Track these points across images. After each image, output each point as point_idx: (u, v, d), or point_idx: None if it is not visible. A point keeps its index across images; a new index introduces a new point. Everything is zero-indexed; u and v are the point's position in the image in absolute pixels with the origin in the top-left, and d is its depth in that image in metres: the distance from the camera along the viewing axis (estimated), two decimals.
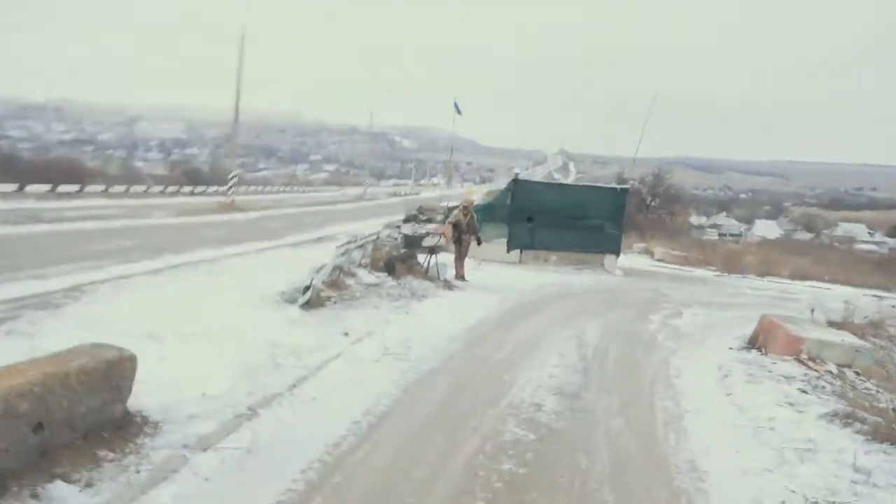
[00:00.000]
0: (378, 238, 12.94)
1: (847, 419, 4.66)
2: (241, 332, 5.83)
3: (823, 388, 5.88)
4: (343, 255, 9.75)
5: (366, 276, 10.01)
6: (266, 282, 8.29)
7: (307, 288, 7.85)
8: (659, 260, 20.94)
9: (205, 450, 3.65)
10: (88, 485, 3.08)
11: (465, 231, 11.79)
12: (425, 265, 11.05)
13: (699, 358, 6.84)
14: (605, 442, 4.32)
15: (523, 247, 15.41)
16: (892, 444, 4.24)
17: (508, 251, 15.26)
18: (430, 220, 17.81)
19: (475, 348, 6.79)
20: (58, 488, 3.02)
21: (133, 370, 3.81)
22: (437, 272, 11.07)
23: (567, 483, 3.55)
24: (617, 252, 15.87)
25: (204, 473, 3.39)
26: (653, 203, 39.47)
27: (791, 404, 5.25)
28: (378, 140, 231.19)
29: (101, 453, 3.40)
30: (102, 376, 3.66)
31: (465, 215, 12.08)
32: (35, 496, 2.97)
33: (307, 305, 7.66)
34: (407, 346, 6.43)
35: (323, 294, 8.28)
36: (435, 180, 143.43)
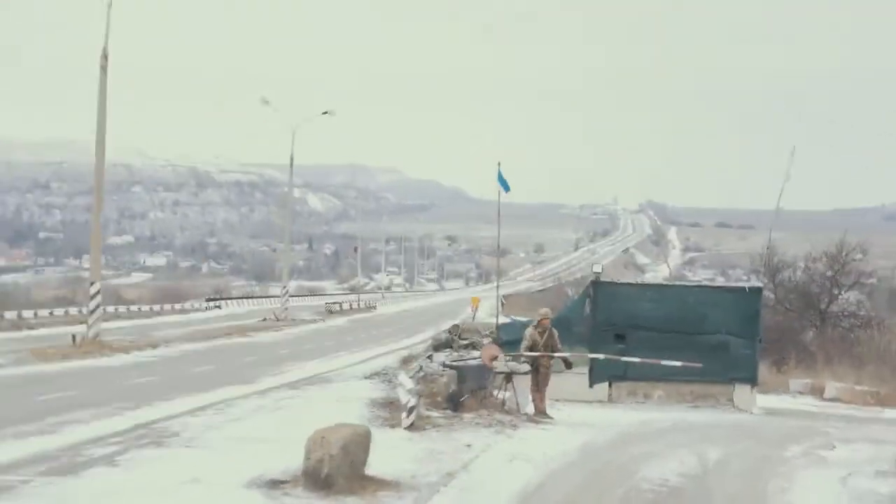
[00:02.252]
0: (422, 370, 20.14)
1: None
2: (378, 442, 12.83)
3: None
4: (413, 387, 16.87)
5: (426, 410, 17.02)
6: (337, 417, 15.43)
7: (411, 410, 14.89)
8: (831, 399, 27.49)
9: (431, 496, 10.71)
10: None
11: (541, 354, 18.23)
12: (500, 397, 18.08)
13: (830, 481, 13.42)
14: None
15: (614, 378, 22.06)
16: None
17: (591, 385, 21.68)
18: (473, 346, 24.90)
19: (595, 460, 13.78)
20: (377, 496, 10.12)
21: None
22: (517, 404, 18.08)
23: None
24: (753, 381, 22.33)
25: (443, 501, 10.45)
26: (829, 307, 46.02)
27: None
28: (248, 194, 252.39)
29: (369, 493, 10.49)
30: (364, 440, 10.81)
31: (542, 333, 18.97)
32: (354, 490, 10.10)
33: (412, 427, 14.65)
34: (528, 456, 13.38)
35: (418, 420, 15.28)
36: (382, 278, 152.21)
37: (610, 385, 21.82)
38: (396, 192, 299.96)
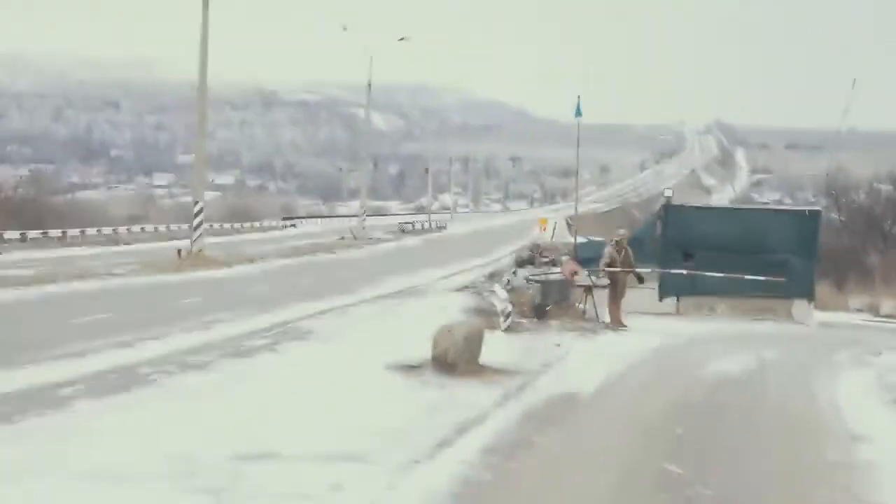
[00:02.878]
0: (510, 284, 22.68)
1: None
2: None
3: None
4: (506, 296, 19.42)
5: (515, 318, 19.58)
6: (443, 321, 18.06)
7: (508, 315, 17.47)
8: (887, 315, 29.83)
9: (535, 379, 13.30)
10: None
11: (620, 270, 21.05)
12: (581, 307, 20.63)
13: (867, 377, 15.86)
14: (766, 385, 13.84)
15: (681, 293, 24.64)
16: None
17: (661, 299, 24.38)
18: (553, 263, 27.42)
19: (668, 358, 16.30)
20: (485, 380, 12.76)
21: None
22: (596, 314, 20.64)
23: (742, 403, 12.95)
24: (810, 296, 24.81)
25: (540, 385, 13.04)
26: (892, 229, 47.95)
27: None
28: (314, 114, 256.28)
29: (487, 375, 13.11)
30: (480, 334, 13.41)
31: (620, 251, 21.52)
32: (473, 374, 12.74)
33: (508, 330, 17.23)
34: (609, 354, 15.90)
35: (512, 325, 17.87)
36: (446, 198, 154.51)
37: (678, 299, 24.23)
38: (460, 111, 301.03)
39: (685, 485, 8.24)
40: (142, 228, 59.81)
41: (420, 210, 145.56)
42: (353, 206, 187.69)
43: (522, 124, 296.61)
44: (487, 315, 18.82)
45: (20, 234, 44.91)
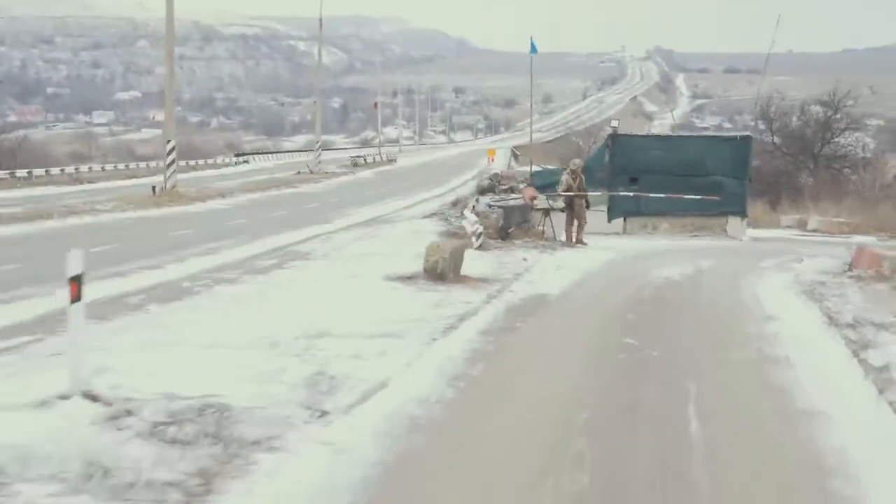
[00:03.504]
0: (474, 209, 25.35)
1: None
2: None
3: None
4: (476, 219, 22.10)
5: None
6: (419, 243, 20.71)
7: (479, 235, 20.16)
8: (812, 230, 32.99)
9: (510, 284, 16.04)
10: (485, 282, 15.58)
11: (575, 195, 23.84)
12: (541, 228, 23.40)
13: (787, 278, 18.82)
14: (699, 285, 16.67)
15: (628, 214, 27.53)
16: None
17: (610, 220, 27.30)
18: (512, 190, 30.18)
19: (619, 268, 19.12)
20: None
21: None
22: (554, 233, 23.42)
23: (682, 297, 15.76)
24: (742, 213, 27.82)
25: (515, 289, 15.78)
26: (821, 151, 51.41)
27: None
28: (254, 48, 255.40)
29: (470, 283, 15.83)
30: (462, 250, 16.12)
31: (575, 178, 24.29)
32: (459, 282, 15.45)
33: (479, 248, 19.92)
34: (569, 266, 18.68)
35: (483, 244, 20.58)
36: (392, 131, 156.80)
37: (625, 220, 27.20)
38: (401, 42, 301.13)
39: (638, 349, 11.03)
40: (102, 168, 61.78)
41: (366, 143, 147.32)
42: (299, 140, 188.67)
43: (464, 54, 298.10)
44: (461, 237, 21.48)
45: None
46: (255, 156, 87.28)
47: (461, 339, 11.25)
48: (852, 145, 54.15)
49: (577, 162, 24.81)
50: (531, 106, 35.52)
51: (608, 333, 12.20)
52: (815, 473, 6.90)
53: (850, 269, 18.03)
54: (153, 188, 37.03)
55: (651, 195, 25.92)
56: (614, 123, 36.27)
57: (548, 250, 21.28)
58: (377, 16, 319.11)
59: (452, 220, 25.29)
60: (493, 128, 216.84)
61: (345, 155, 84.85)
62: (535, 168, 32.91)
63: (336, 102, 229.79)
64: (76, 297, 7.63)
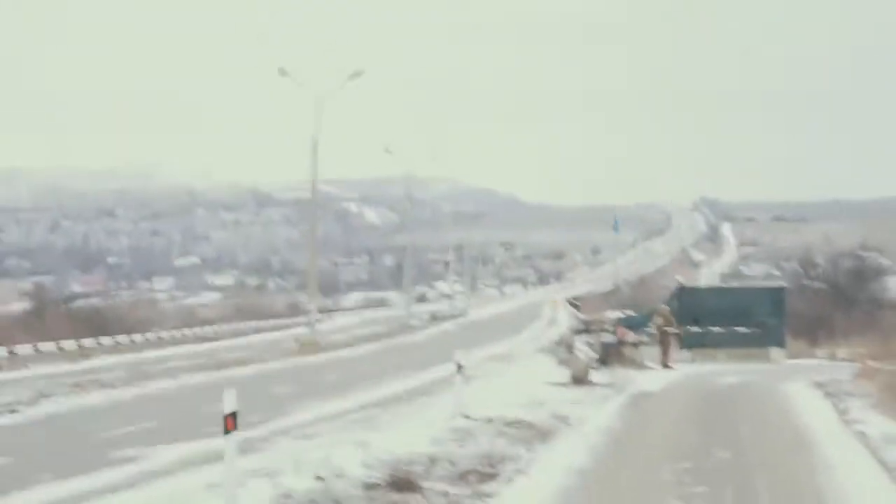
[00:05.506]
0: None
1: None
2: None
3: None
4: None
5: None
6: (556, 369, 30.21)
7: (592, 360, 29.63)
8: (840, 359, 42.00)
9: (625, 387, 25.45)
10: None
11: (665, 331, 33.52)
12: (632, 357, 32.83)
13: (808, 383, 27.91)
14: (761, 393, 26.01)
15: (694, 346, 36.96)
16: None
17: (681, 349, 36.87)
18: (603, 330, 39.64)
19: (695, 380, 28.68)
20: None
21: None
22: (642, 361, 32.84)
23: (736, 391, 25.07)
24: (781, 344, 37.35)
25: (630, 390, 25.21)
26: (855, 296, 60.84)
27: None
28: (307, 211, 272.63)
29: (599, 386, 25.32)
30: (589, 367, 25.83)
31: (665, 320, 33.95)
32: (592, 386, 24.98)
33: (593, 369, 29.34)
34: (660, 378, 28.05)
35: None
36: (443, 285, 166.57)
37: (691, 351, 36.55)
38: (451, 201, 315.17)
39: (713, 415, 20.30)
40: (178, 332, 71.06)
41: (422, 299, 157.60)
42: (354, 297, 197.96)
43: (512, 210, 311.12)
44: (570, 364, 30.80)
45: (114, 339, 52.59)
46: (333, 313, 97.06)
47: (608, 410, 20.64)
48: (887, 290, 63.39)
49: (664, 307, 34.74)
50: (615, 284, 44.88)
51: (694, 407, 21.51)
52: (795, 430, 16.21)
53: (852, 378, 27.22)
54: (297, 341, 46.74)
55: (712, 329, 35.47)
56: (680, 278, 45.87)
57: (642, 370, 30.63)
58: (428, 175, 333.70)
59: (560, 353, 34.64)
60: (542, 280, 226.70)
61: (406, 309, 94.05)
62: (622, 314, 42.53)
63: (389, 260, 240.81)
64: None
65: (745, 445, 16.01)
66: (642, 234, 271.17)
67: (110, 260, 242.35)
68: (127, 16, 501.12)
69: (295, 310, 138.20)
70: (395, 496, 11.28)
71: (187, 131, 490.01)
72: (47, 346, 44.42)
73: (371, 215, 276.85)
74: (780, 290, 38.99)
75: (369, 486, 11.53)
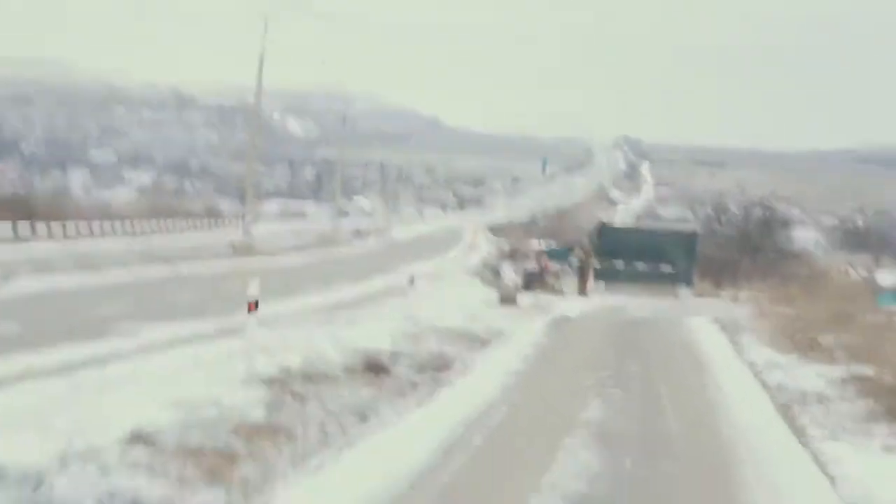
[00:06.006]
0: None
1: None
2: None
3: None
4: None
5: None
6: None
7: (517, 286, 32.65)
8: (742, 300, 45.81)
9: (548, 310, 28.55)
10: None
11: (584, 263, 36.74)
12: (554, 285, 35.97)
13: (706, 320, 31.35)
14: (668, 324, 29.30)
15: (609, 279, 40.23)
16: None
17: (595, 283, 40.16)
18: (526, 256, 42.76)
19: (609, 308, 31.95)
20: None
21: None
22: (562, 289, 35.98)
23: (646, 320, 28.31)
24: (689, 283, 40.76)
25: (553, 312, 28.29)
26: (760, 245, 64.94)
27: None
28: (229, 117, 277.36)
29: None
30: (517, 291, 28.87)
31: (585, 253, 37.11)
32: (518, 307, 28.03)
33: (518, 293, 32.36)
34: (578, 305, 31.21)
35: None
36: (360, 201, 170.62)
37: (605, 283, 39.77)
38: (374, 118, 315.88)
39: (623, 336, 23.37)
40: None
41: (342, 214, 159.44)
42: (271, 205, 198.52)
43: (435, 132, 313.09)
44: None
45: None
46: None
47: (538, 325, 23.55)
48: (794, 241, 67.73)
49: (585, 242, 37.84)
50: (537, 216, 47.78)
51: (609, 331, 24.59)
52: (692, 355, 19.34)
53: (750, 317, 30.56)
54: (232, 244, 48.92)
55: (628, 265, 38.73)
56: (602, 216, 49.08)
57: (561, 297, 33.74)
58: (352, 91, 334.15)
59: (486, 276, 37.57)
60: (462, 205, 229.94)
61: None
62: (545, 245, 45.73)
63: (309, 173, 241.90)
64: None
65: (652, 363, 19.10)
66: (563, 168, 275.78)
67: (24, 148, 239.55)
68: None
69: (212, 213, 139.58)
70: (372, 377, 14.02)
71: (110, 25, 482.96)
72: None
73: (294, 126, 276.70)
74: (692, 233, 42.37)
75: (348, 368, 14.25)
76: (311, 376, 13.19)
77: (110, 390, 10.84)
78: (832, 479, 10.45)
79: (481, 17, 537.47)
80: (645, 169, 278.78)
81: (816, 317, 26.40)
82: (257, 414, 10.68)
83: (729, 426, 13.12)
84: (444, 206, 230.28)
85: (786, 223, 65.77)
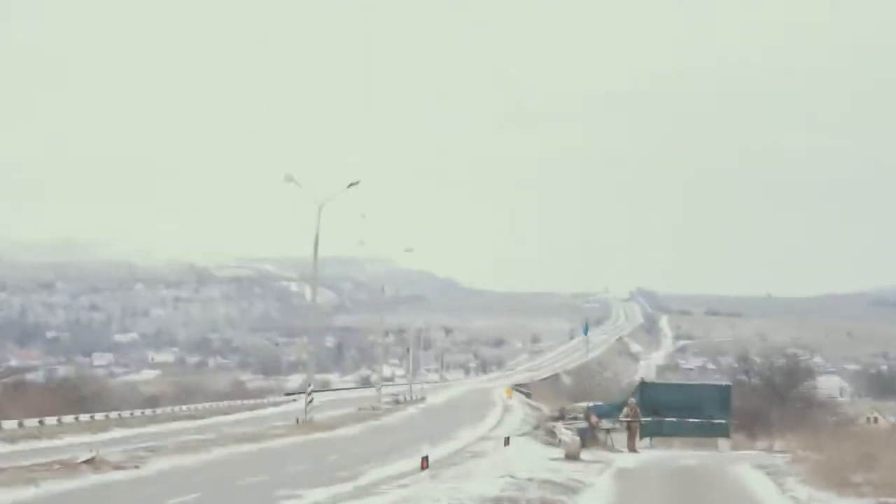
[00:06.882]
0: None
1: None
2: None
3: None
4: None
5: None
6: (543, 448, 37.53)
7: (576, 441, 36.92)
8: (776, 451, 49.78)
9: (609, 464, 32.90)
10: None
11: (633, 420, 41.04)
12: (605, 441, 40.22)
13: (748, 467, 35.53)
14: (716, 471, 33.63)
15: (652, 434, 44.38)
16: None
17: (642, 438, 44.32)
18: (576, 418, 46.91)
19: (659, 460, 36.19)
20: None
21: None
22: (613, 444, 40.23)
23: (696, 469, 32.71)
24: (727, 435, 44.87)
25: (613, 465, 32.64)
26: (788, 394, 69.01)
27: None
28: (247, 289, 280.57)
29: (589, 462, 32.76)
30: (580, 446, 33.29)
31: (633, 411, 41.42)
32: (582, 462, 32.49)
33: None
34: (632, 459, 35.46)
35: None
36: (386, 369, 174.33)
37: (650, 438, 43.92)
38: (389, 282, 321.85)
39: (685, 489, 27.62)
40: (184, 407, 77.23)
41: (366, 382, 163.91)
42: (296, 379, 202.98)
43: (451, 294, 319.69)
44: (552, 445, 37.94)
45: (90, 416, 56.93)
46: (297, 395, 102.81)
47: (607, 475, 27.83)
48: (819, 388, 71.82)
49: (633, 401, 42.08)
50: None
51: (667, 478, 28.84)
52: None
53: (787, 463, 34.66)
54: (297, 419, 53.16)
55: (667, 419, 42.92)
56: (640, 375, 53.51)
57: (615, 453, 37.96)
58: (363, 257, 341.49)
59: (540, 436, 41.75)
60: (483, 367, 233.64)
61: (354, 394, 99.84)
62: (593, 404, 50.01)
63: (329, 341, 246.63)
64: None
65: (713, 498, 23.37)
66: (580, 323, 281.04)
67: (48, 334, 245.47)
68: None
69: (239, 389, 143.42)
70: None
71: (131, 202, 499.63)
72: (31, 421, 49.28)
73: (311, 294, 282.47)
74: (726, 387, 46.89)
75: None
76: None
77: None
78: None
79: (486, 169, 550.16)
80: (663, 322, 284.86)
81: (846, 460, 30.48)
82: None
83: None
84: (466, 369, 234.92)
85: (810, 372, 69.96)
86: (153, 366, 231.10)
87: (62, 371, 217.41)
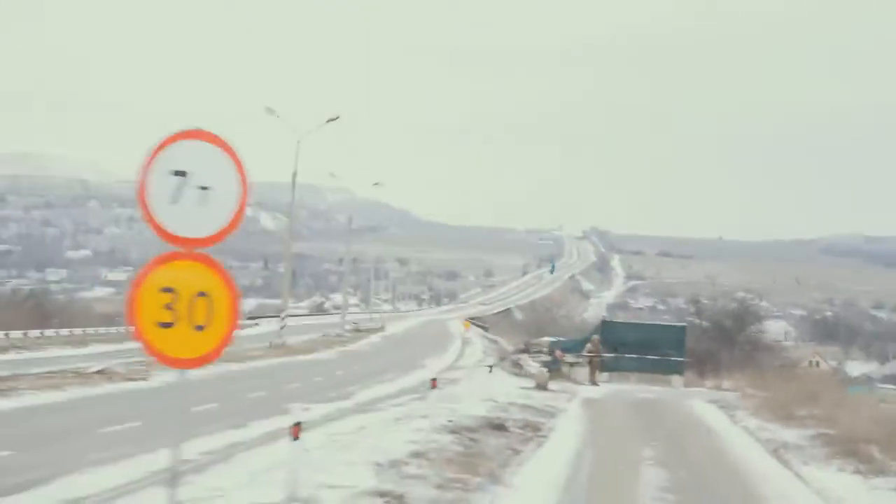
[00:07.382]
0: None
1: None
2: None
3: None
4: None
5: None
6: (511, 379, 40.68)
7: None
8: (725, 389, 53.45)
9: (575, 394, 36.07)
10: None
11: (595, 356, 44.29)
12: (569, 374, 43.46)
13: (700, 400, 38.92)
14: (672, 403, 36.88)
15: (611, 369, 47.75)
16: None
17: (601, 372, 47.64)
18: (540, 352, 50.06)
19: (619, 393, 39.57)
20: None
21: None
22: (575, 377, 43.49)
23: (652, 401, 35.97)
24: (681, 373, 48.33)
25: (578, 395, 35.80)
26: (737, 337, 72.87)
27: None
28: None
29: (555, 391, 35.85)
30: (548, 378, 36.45)
31: (595, 347, 44.65)
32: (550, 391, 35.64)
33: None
34: (595, 390, 38.70)
35: None
36: (340, 297, 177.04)
37: (609, 373, 47.25)
38: (346, 212, 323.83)
39: (637, 411, 30.79)
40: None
41: (319, 309, 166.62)
42: (250, 302, 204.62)
43: (407, 225, 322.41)
44: (520, 376, 41.04)
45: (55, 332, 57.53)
46: (261, 319, 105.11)
47: (576, 403, 30.93)
48: (765, 332, 75.71)
49: (595, 337, 45.28)
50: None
51: (629, 408, 32.05)
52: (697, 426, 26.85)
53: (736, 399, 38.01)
54: (270, 343, 55.81)
55: (626, 356, 46.29)
56: (604, 315, 56.89)
57: (577, 385, 41.18)
58: (324, 185, 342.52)
59: (506, 367, 44.89)
60: (437, 299, 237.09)
61: (326, 321, 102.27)
62: (557, 339, 53.30)
63: (283, 268, 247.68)
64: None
65: (671, 428, 26.55)
66: (534, 260, 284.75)
67: (0, 247, 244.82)
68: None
69: None
70: (497, 431, 21.35)
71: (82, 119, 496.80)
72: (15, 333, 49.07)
73: (267, 220, 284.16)
74: (682, 328, 50.38)
75: (481, 427, 21.56)
76: (464, 430, 20.51)
77: (367, 435, 18.20)
78: (805, 481, 17.98)
79: (450, 115, 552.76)
80: (616, 262, 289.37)
81: (791, 397, 33.84)
82: (457, 448, 18.02)
83: (739, 460, 20.60)
84: (419, 300, 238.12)
85: (757, 316, 73.67)
86: (106, 283, 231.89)
87: (13, 284, 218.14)
